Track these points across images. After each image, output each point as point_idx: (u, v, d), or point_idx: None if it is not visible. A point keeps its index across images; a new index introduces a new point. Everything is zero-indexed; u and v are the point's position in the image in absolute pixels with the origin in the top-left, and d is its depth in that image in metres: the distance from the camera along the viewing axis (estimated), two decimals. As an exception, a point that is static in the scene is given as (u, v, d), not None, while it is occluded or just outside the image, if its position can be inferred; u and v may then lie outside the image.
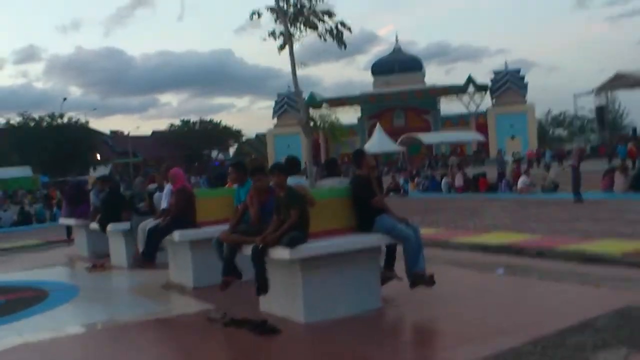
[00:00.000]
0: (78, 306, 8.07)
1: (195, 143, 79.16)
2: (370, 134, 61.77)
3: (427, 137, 60.19)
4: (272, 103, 72.98)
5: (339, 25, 6.55)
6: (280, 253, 5.83)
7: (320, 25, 6.58)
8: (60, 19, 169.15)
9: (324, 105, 72.78)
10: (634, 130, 62.77)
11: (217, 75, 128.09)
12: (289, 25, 6.39)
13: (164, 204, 8.70)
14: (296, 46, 6.37)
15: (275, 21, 6.60)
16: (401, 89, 68.90)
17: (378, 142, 56.10)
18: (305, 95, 71.32)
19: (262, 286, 6.06)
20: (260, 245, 5.88)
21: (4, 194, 45.41)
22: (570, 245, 8.98)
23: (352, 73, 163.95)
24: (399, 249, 6.54)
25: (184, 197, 8.10)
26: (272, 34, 6.67)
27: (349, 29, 6.62)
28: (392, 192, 25.59)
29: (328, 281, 6.08)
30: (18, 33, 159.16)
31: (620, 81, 56.91)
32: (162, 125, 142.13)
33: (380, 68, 73.61)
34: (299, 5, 6.50)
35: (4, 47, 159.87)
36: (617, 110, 78.41)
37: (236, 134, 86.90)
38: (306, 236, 5.91)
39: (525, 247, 9.39)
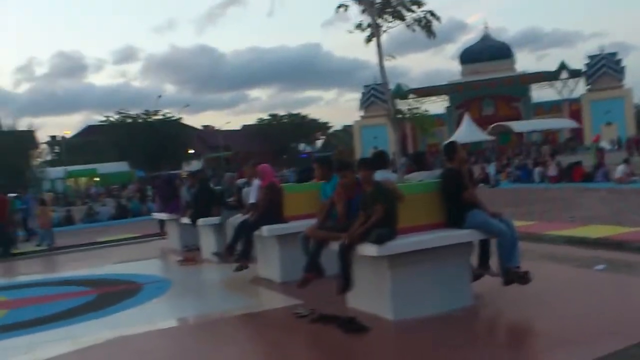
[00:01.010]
0: (170, 300, 8.28)
1: (283, 136, 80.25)
2: (458, 124, 60.63)
3: (517, 126, 58.50)
4: (359, 95, 72.87)
5: (428, 15, 6.35)
6: (368, 250, 5.74)
7: (408, 16, 6.41)
8: (156, 19, 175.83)
9: (411, 95, 72.06)
10: None
11: (305, 69, 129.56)
12: (376, 16, 6.25)
13: (252, 199, 8.78)
14: (383, 37, 6.29)
15: (362, 12, 6.49)
16: (490, 77, 67.20)
17: (467, 132, 55.08)
18: (392, 86, 71.15)
19: (345, 284, 6.00)
20: (347, 242, 5.81)
21: (106, 189, 47.61)
22: (677, 239, 8.42)
23: (441, 62, 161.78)
24: (493, 245, 6.31)
25: (272, 192, 8.16)
26: (359, 26, 6.56)
27: (438, 19, 6.43)
28: (482, 183, 25.00)
29: (417, 278, 5.94)
30: (116, 34, 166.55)
31: None
32: (251, 119, 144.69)
33: (468, 56, 72.04)
34: (386, -4, 6.38)
35: (104, 49, 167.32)
36: None
37: (323, 127, 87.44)
38: (395, 232, 5.80)
39: (627, 240, 8.89)
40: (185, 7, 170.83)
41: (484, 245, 6.48)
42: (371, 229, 5.71)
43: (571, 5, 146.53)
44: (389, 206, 5.79)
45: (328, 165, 7.23)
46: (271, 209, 8.12)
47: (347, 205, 6.43)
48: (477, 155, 53.36)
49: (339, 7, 6.50)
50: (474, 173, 6.53)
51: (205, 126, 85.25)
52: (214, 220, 10.54)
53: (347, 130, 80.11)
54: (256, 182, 8.74)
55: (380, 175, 6.49)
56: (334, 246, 6.13)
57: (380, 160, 7.05)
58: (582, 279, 7.22)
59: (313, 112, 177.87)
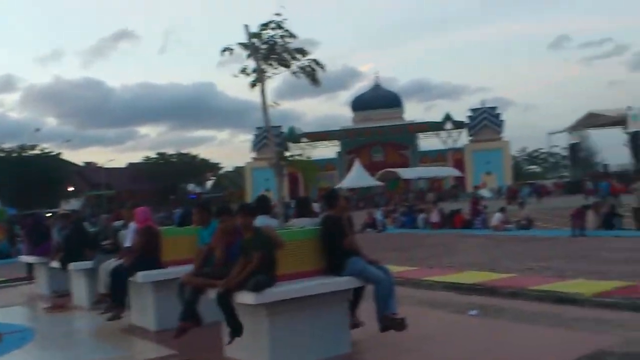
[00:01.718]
0: (31, 352, 7.61)
1: (171, 176, 78.31)
2: (349, 169, 61.89)
3: (405, 172, 60.46)
4: (252, 136, 72.98)
5: (313, 64, 6.45)
6: (245, 297, 5.62)
7: (293, 63, 6.48)
8: (40, 49, 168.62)
9: (303, 139, 73.09)
10: (605, 167, 63.81)
11: (198, 108, 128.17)
12: (261, 62, 6.29)
13: (127, 243, 8.43)
14: (275, 82, 6.36)
15: (248, 57, 6.51)
16: (380, 125, 69.49)
17: (356, 177, 56.28)
18: (285, 130, 71.82)
19: (235, 330, 5.84)
20: (222, 290, 5.68)
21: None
22: (543, 286, 8.86)
23: (334, 108, 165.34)
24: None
25: (148, 236, 7.87)
26: (244, 70, 6.57)
27: (323, 67, 6.54)
28: (369, 228, 25.47)
29: (296, 326, 5.88)
30: None
31: (592, 120, 58.01)
32: (139, 157, 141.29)
33: (359, 104, 74.35)
34: (271, 43, 6.41)
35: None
36: (589, 147, 79.62)
37: (214, 167, 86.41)
38: (273, 279, 5.72)
39: (498, 287, 9.25)
40: (73, 38, 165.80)
41: (357, 293, 6.53)
42: (249, 276, 5.62)
43: (459, 60, 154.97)
44: (268, 253, 5.73)
45: (207, 210, 7.09)
46: (147, 254, 7.82)
47: (226, 251, 6.31)
48: (366, 200, 54.55)
49: (224, 50, 6.47)
50: (353, 220, 6.61)
51: (87, 163, 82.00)
52: (87, 264, 9.92)
53: (238, 171, 79.71)
54: (132, 225, 8.41)
55: (261, 221, 6.43)
56: (212, 294, 5.97)
57: (262, 205, 7.00)
58: (456, 324, 7.40)
59: (205, 152, 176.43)
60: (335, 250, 6.18)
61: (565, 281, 9.29)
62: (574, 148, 62.92)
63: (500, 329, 6.99)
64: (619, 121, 55.29)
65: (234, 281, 5.67)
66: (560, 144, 72.02)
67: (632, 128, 50.89)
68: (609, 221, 18.35)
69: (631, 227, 18.16)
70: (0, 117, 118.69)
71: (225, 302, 5.78)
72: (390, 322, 6.15)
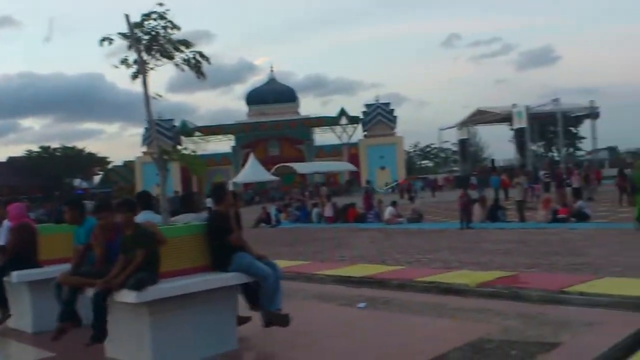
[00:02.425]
0: None
1: (56, 170, 74.55)
2: (244, 163, 61.50)
3: (301, 167, 60.80)
4: (142, 130, 71.03)
5: (197, 56, 6.27)
6: (126, 296, 5.40)
7: (177, 55, 6.27)
8: None
9: (197, 133, 71.93)
10: (493, 162, 66.99)
11: (86, 100, 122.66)
12: (143, 53, 6.03)
13: (1, 241, 7.90)
14: (162, 75, 6.11)
15: (129, 48, 6.22)
16: (275, 119, 69.54)
17: (252, 172, 56.04)
18: (177, 123, 70.39)
19: (98, 334, 5.59)
20: (101, 288, 5.42)
21: None
22: (430, 277, 9.10)
23: (230, 102, 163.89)
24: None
25: (23, 234, 7.41)
26: (124, 61, 6.27)
27: (208, 60, 6.36)
28: (263, 222, 25.41)
29: (180, 324, 5.71)
30: None
31: (481, 117, 60.74)
32: (21, 151, 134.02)
33: (254, 98, 74.03)
34: (153, 33, 6.16)
35: None
36: (478, 143, 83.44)
37: (102, 161, 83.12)
38: (155, 277, 5.53)
39: (387, 279, 9.43)
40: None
41: (252, 287, 6.43)
42: (131, 275, 5.40)
43: (355, 56, 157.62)
44: (150, 250, 5.53)
45: (79, 208, 6.69)
46: (22, 253, 7.37)
47: (106, 249, 6.04)
48: (262, 195, 54.50)
49: (103, 40, 6.15)
50: (241, 216, 6.51)
51: (-38, 156, 76.59)
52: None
53: (128, 166, 77.13)
54: (6, 223, 7.88)
55: (143, 217, 6.20)
56: (90, 293, 5.69)
57: (144, 200, 6.75)
58: (345, 317, 7.46)
59: (93, 146, 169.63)
60: (221, 246, 6.05)
61: (450, 272, 9.61)
62: (463, 143, 65.63)
63: (388, 321, 7.11)
64: (505, 118, 58.17)
65: (116, 281, 5.44)
66: (451, 139, 75.14)
67: (517, 125, 53.60)
68: (494, 214, 19.22)
69: (514, 219, 19.13)
70: None
71: (101, 303, 5.54)
72: (274, 318, 6.12)
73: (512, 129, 57.87)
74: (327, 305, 8.27)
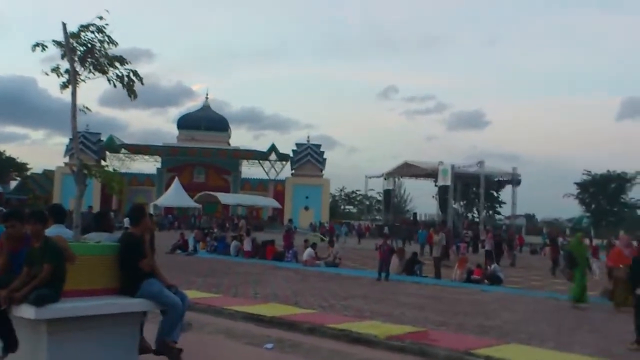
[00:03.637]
0: None
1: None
2: (167, 187, 60.40)
3: (224, 197, 60.23)
4: (67, 140, 68.86)
5: (131, 74, 6.14)
6: (24, 311, 5.14)
7: (111, 71, 6.12)
8: None
9: (123, 150, 70.40)
10: (414, 214, 68.33)
11: (12, 102, 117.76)
12: (76, 64, 5.86)
13: None
14: (93, 88, 5.93)
15: (62, 57, 6.03)
16: (205, 146, 68.92)
17: (175, 196, 55.01)
18: (104, 138, 68.69)
19: (10, 344, 5.34)
20: (4, 301, 5.14)
21: None
22: (340, 324, 9.07)
23: (162, 123, 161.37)
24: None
25: None
26: (56, 69, 6.07)
27: (141, 80, 6.24)
28: (179, 249, 24.89)
29: (79, 345, 5.47)
30: None
31: (407, 170, 62.07)
32: None
33: (186, 122, 73.36)
34: (89, 45, 6.00)
35: None
36: (402, 195, 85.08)
37: (21, 167, 79.97)
38: (58, 294, 5.28)
39: (298, 321, 9.34)
40: None
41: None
42: (34, 289, 5.14)
43: (293, 94, 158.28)
44: (57, 266, 5.28)
45: (-4, 214, 6.42)
46: None
47: (11, 259, 5.74)
48: (180, 221, 53.52)
49: (36, 45, 5.95)
50: (155, 241, 6.34)
51: None
52: None
53: (47, 175, 74.41)
54: None
55: (54, 230, 5.94)
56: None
57: (57, 213, 6.47)
58: (251, 357, 7.35)
59: (15, 150, 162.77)
60: (132, 269, 5.85)
61: (362, 322, 9.58)
62: (388, 194, 66.71)
63: (293, 365, 7.01)
64: (430, 174, 59.56)
65: (18, 294, 5.16)
66: (377, 188, 76.22)
67: (441, 182, 54.89)
68: (411, 267, 19.42)
69: (431, 275, 19.40)
70: None
71: (2, 314, 5.26)
72: (166, 350, 6.01)
73: (436, 185, 59.25)
74: (233, 343, 8.12)
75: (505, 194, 67.30)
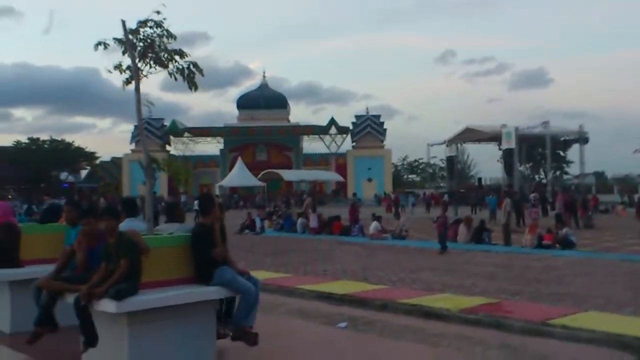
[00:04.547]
0: None
1: (42, 163, 74.03)
2: (231, 167, 61.34)
3: (287, 174, 60.74)
4: (132, 127, 70.66)
5: (191, 66, 6.24)
6: (105, 305, 5.34)
7: (170, 64, 6.24)
8: None
9: (186, 134, 71.71)
10: (479, 180, 67.27)
11: (79, 93, 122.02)
12: (137, 60, 5.98)
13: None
14: (154, 78, 6.07)
15: (123, 54, 6.17)
16: (265, 125, 69.47)
17: (238, 176, 55.86)
18: (167, 123, 70.09)
19: (90, 339, 5.55)
20: (84, 299, 5.36)
21: None
22: (412, 299, 9.05)
23: (222, 104, 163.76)
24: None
25: (5, 233, 7.33)
26: (118, 67, 6.22)
27: (201, 72, 6.34)
28: (248, 229, 25.30)
29: (159, 336, 5.64)
30: None
31: (469, 135, 60.96)
32: (10, 141, 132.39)
33: (245, 102, 73.97)
34: (149, 40, 6.12)
35: None
36: (466, 160, 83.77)
37: (90, 156, 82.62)
38: (136, 287, 5.46)
39: (369, 298, 9.38)
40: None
41: (228, 304, 6.40)
42: (114, 284, 5.34)
43: (350, 66, 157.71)
44: (132, 260, 5.45)
45: (79, 209, 6.66)
46: (4, 252, 7.29)
47: (89, 255, 5.98)
48: (247, 200, 54.30)
49: (98, 44, 6.11)
50: (225, 230, 6.45)
51: (-52, 145, 75.94)
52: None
53: (115, 162, 76.67)
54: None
55: (127, 224, 6.13)
56: (70, 299, 5.64)
57: (129, 208, 6.67)
58: (325, 336, 7.40)
59: (84, 140, 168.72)
60: (204, 259, 6.00)
61: (432, 295, 9.56)
62: (451, 160, 65.83)
63: (368, 344, 7.06)
64: (493, 137, 58.42)
65: (98, 290, 5.36)
66: (439, 155, 75.31)
67: (505, 145, 53.75)
68: (479, 235, 19.14)
69: (500, 242, 19.10)
70: None
71: (83, 310, 5.48)
72: (242, 335, 6.09)
73: (500, 149, 58.06)
74: (307, 322, 8.21)
75: (573, 152, 65.41)
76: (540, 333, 7.18)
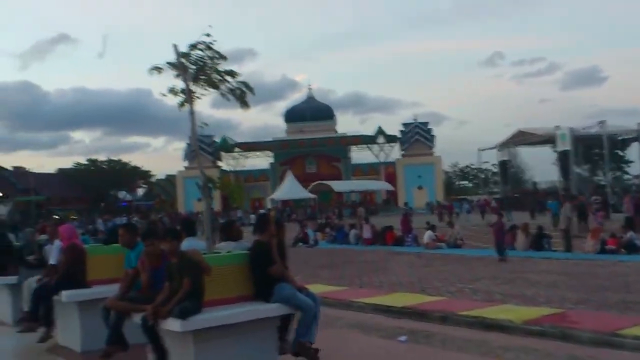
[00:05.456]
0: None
1: (101, 182, 76.52)
2: (281, 180, 61.76)
3: (337, 185, 60.81)
4: (185, 145, 71.95)
5: (242, 87, 6.35)
6: (171, 324, 5.47)
7: (222, 85, 6.36)
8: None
9: (236, 149, 72.59)
10: (534, 184, 65.90)
11: (133, 114, 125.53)
12: (189, 82, 6.12)
13: (52, 260, 8.11)
14: (199, 104, 6.19)
15: (176, 77, 6.33)
16: (313, 137, 69.77)
17: (289, 189, 56.21)
18: (218, 139, 71.10)
19: (160, 356, 5.74)
20: (150, 319, 5.50)
21: None
22: (472, 311, 8.90)
23: (270, 118, 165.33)
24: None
25: (73, 255, 7.57)
26: (172, 90, 6.38)
27: (252, 91, 6.46)
28: (301, 242, 25.38)
29: (223, 352, 5.75)
30: None
31: (522, 138, 59.81)
32: (71, 163, 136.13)
33: (292, 115, 74.56)
34: (200, 63, 6.26)
35: None
36: (519, 165, 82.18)
37: (145, 175, 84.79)
38: (200, 305, 5.58)
39: (429, 310, 9.27)
40: (10, 40, 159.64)
41: (285, 320, 6.43)
42: (178, 303, 5.46)
43: (395, 74, 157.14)
44: (195, 279, 5.56)
45: (134, 231, 6.86)
46: (72, 272, 7.53)
47: (152, 276, 6.12)
48: (298, 212, 54.50)
49: (152, 69, 6.28)
50: (285, 246, 6.50)
51: (16, 167, 78.99)
52: (11, 279, 9.60)
53: (170, 180, 78.31)
54: (57, 243, 8.09)
55: (187, 244, 6.26)
56: (137, 318, 5.81)
57: (189, 227, 6.80)
58: (386, 351, 7.35)
59: (139, 159, 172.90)
60: (263, 276, 6.07)
61: (494, 306, 9.36)
62: (503, 165, 64.70)
63: (429, 357, 6.98)
64: (547, 140, 57.15)
65: (163, 309, 5.49)
66: (491, 159, 74.10)
67: (560, 147, 52.50)
68: (539, 242, 18.66)
69: (560, 248, 18.58)
70: None
71: (150, 329, 5.64)
72: (304, 350, 6.11)
73: (555, 151, 56.75)
74: (367, 336, 8.16)
75: (632, 151, 63.34)
76: (610, 344, 6.96)
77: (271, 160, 73.40)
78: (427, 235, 21.31)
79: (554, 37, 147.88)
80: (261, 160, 75.65)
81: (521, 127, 59.54)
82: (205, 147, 68.04)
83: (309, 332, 6.13)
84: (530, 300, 9.94)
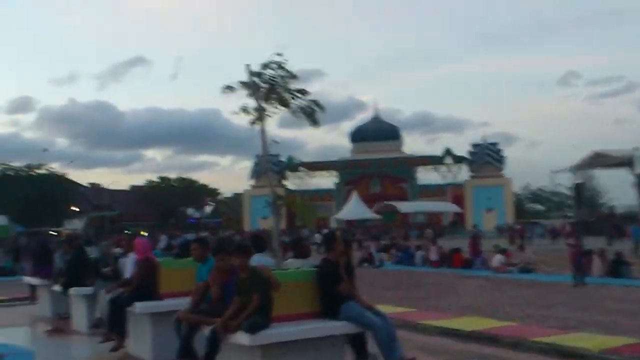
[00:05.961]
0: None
1: (171, 199, 78.70)
2: (346, 200, 61.74)
3: (403, 206, 60.33)
4: (251, 164, 73.02)
5: (312, 105, 6.42)
6: (240, 338, 5.57)
7: (292, 103, 6.45)
8: (57, 71, 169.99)
9: (301, 169, 73.06)
10: (611, 208, 63.54)
11: (202, 133, 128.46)
12: (261, 101, 6.23)
13: (127, 273, 8.39)
14: (269, 122, 6.25)
15: (248, 96, 6.45)
16: (378, 157, 69.58)
17: (354, 209, 56.13)
18: (284, 159, 71.83)
19: None
20: (221, 332, 5.61)
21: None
22: (546, 337, 8.61)
23: (336, 138, 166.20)
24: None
25: (147, 268, 7.80)
26: (244, 109, 6.50)
27: (322, 109, 6.51)
28: (366, 262, 25.24)
29: (289, 368, 5.75)
30: (14, 84, 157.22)
31: (597, 160, 57.81)
32: (143, 180, 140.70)
33: (358, 135, 74.58)
34: (272, 82, 6.36)
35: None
36: (595, 188, 79.47)
37: (213, 192, 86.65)
38: (269, 320, 5.67)
39: (499, 335, 9.02)
40: (88, 62, 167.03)
41: (360, 339, 6.40)
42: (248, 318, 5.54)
43: (464, 94, 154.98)
44: (264, 294, 5.63)
45: (206, 246, 7.02)
46: (145, 285, 7.77)
47: (222, 290, 6.23)
48: (363, 232, 54.27)
49: (226, 88, 6.42)
50: (353, 265, 6.50)
51: (91, 184, 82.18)
52: (87, 290, 10.00)
53: (236, 198, 79.65)
54: (132, 256, 8.36)
55: (257, 259, 6.34)
56: (206, 330, 5.94)
57: (258, 243, 6.89)
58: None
59: (208, 177, 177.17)
60: (331, 294, 6.09)
61: (569, 334, 9.00)
62: (578, 188, 62.65)
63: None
64: (624, 162, 55.09)
65: (233, 323, 5.59)
66: (564, 182, 71.93)
67: (639, 170, 50.58)
68: (616, 268, 17.85)
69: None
70: (14, 136, 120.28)
71: (216, 342, 5.77)
72: None
73: (633, 174, 54.64)
74: None
75: None
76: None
77: (336, 180, 73.52)
78: (497, 259, 20.82)
79: (634, 54, 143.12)
80: (326, 180, 75.95)
81: (596, 148, 57.68)
82: (272, 165, 68.75)
83: (393, 348, 6.08)
84: (607, 328, 9.51)
